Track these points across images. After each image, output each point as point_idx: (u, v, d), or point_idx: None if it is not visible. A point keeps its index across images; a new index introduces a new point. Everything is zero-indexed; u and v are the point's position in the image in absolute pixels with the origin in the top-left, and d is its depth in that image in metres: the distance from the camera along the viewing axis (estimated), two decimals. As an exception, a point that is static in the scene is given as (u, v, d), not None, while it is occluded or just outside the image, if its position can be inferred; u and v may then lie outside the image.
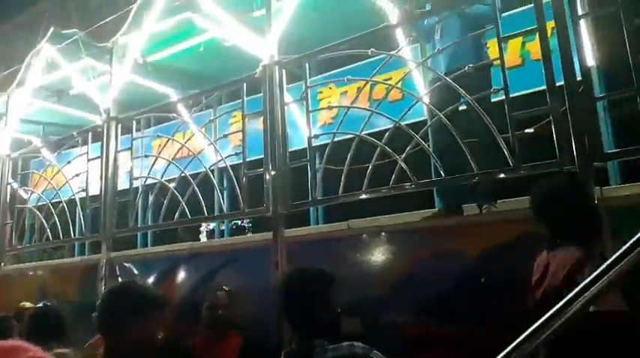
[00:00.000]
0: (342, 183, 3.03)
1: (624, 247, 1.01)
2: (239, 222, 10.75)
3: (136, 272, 4.20)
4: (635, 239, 1.01)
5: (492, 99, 3.04)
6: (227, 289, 3.29)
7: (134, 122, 4.28)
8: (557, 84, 2.52)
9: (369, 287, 2.94)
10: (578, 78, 2.51)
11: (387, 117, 3.00)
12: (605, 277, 1.03)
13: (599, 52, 3.85)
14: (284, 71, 3.53)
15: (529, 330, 1.01)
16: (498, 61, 2.71)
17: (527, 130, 4.23)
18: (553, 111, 2.50)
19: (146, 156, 4.25)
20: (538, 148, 2.77)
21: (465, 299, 2.65)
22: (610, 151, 2.87)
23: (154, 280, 4.07)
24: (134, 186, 4.25)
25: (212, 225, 11.14)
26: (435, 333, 2.67)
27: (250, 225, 10.50)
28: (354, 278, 2.91)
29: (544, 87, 2.57)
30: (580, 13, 2.45)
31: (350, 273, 2.93)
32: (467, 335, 2.56)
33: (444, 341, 2.64)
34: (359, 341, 1.86)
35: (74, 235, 4.96)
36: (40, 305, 3.33)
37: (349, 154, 3.04)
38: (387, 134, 3.00)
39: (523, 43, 4.68)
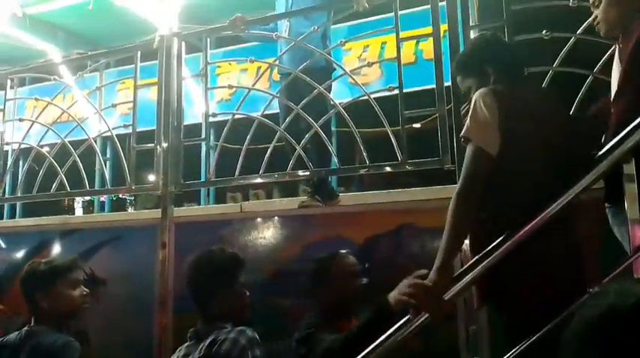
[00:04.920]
0: (239, 165, 2.99)
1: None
2: (120, 195, 10.18)
3: (2, 246, 3.82)
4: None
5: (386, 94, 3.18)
6: None
7: (9, 80, 3.83)
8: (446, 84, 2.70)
9: (258, 271, 2.98)
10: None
11: (289, 104, 3.01)
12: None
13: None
14: (183, 43, 3.37)
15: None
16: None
17: (415, 125, 4.51)
18: (439, 111, 2.68)
19: (20, 120, 3.84)
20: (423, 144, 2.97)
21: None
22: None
23: (22, 256, 3.73)
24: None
25: (88, 197, 10.42)
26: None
27: (132, 198, 10.00)
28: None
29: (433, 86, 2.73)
30: (472, 24, 2.65)
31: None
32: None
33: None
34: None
35: None
36: None
37: (248, 136, 2.99)
38: (287, 119, 3.01)
39: (417, 43, 4.93)
